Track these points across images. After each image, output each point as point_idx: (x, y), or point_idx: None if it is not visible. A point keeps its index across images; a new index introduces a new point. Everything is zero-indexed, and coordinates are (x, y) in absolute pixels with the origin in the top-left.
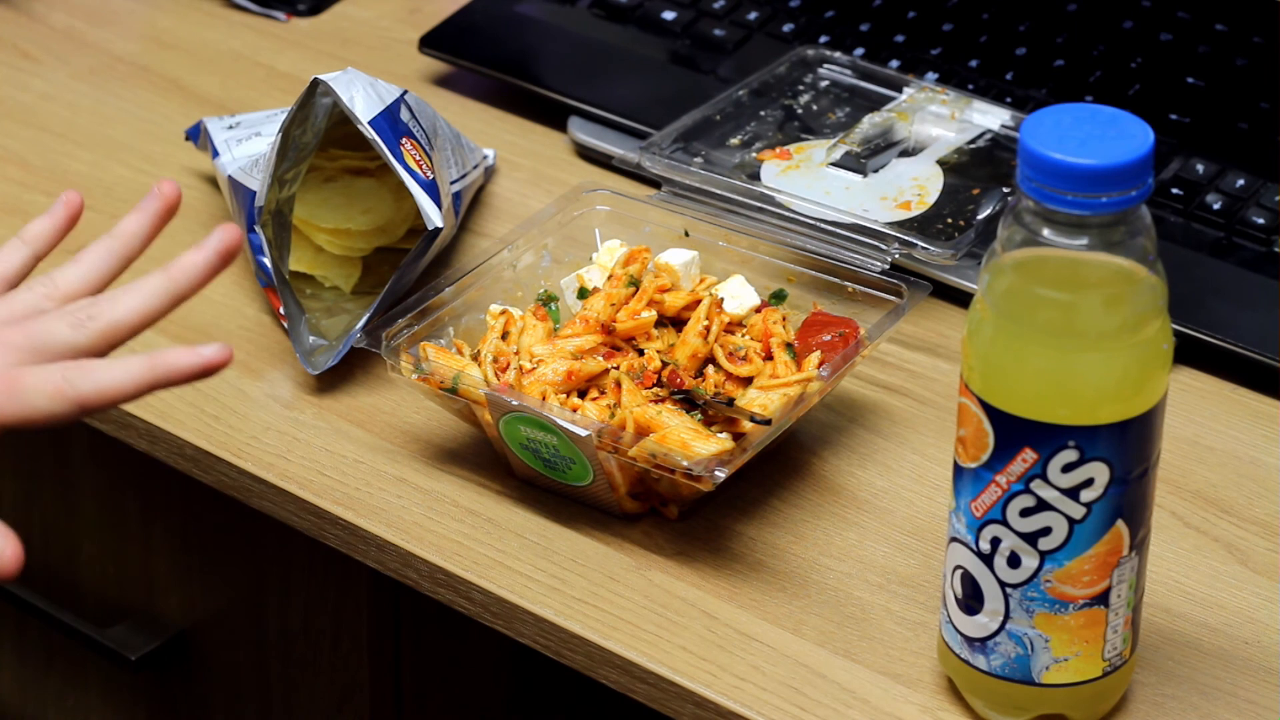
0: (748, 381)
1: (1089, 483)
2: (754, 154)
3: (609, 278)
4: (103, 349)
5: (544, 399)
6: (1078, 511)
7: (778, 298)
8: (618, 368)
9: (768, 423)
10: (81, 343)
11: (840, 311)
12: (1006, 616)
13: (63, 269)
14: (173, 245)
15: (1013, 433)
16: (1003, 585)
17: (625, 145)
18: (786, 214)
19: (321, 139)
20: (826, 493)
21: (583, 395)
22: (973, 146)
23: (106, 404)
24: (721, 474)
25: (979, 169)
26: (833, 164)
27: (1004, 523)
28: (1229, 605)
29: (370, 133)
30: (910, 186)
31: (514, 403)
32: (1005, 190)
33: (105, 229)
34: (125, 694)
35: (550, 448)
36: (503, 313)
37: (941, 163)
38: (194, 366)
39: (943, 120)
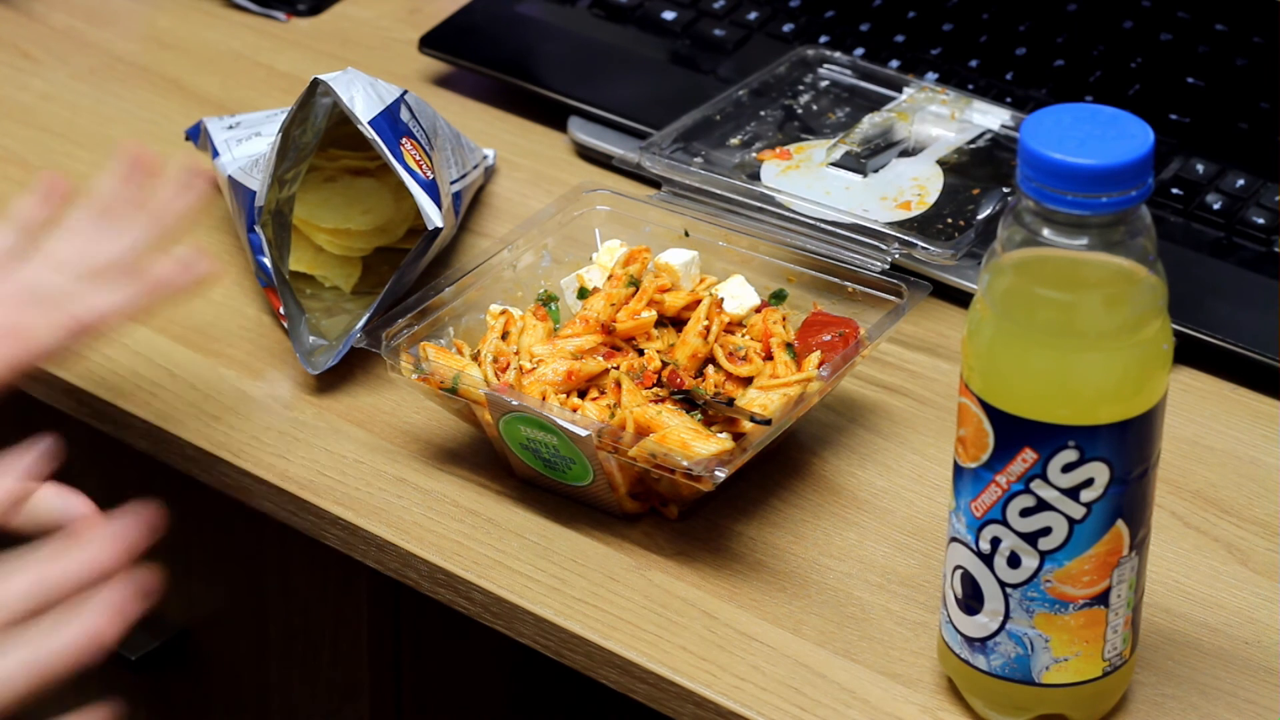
0: (748, 381)
1: (1089, 483)
2: (754, 154)
3: (609, 278)
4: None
5: (544, 399)
6: (1078, 511)
7: (778, 298)
8: (618, 368)
9: (768, 423)
10: (70, 287)
11: (840, 311)
12: (1006, 616)
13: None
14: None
15: (1013, 433)
16: (1003, 585)
17: (625, 145)
18: (786, 214)
19: (321, 139)
20: (826, 493)
21: (583, 395)
22: (973, 146)
23: (104, 324)
24: (721, 474)
25: (979, 169)
26: (833, 164)
27: (1004, 523)
28: (1229, 605)
29: (370, 133)
30: (910, 186)
31: (514, 403)
32: (1005, 190)
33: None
34: (125, 694)
35: (550, 448)
36: (503, 313)
37: (941, 163)
38: (183, 281)
39: (943, 120)
